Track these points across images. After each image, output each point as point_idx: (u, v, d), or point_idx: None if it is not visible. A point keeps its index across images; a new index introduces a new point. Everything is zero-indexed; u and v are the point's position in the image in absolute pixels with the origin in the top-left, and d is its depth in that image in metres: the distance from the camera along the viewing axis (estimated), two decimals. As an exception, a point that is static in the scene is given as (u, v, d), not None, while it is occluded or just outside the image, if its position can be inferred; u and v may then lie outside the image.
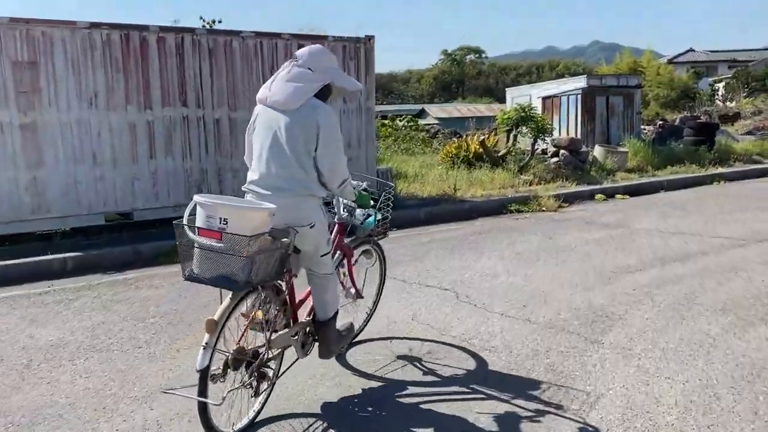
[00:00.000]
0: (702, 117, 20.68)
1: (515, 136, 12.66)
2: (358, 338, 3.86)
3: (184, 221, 2.56)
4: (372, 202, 3.54)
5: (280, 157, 2.79)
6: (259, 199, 2.79)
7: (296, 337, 3.03)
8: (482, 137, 12.74)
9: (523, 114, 12.25)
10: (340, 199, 3.47)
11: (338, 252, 3.47)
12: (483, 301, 4.64)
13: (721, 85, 37.06)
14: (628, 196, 9.91)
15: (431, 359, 3.61)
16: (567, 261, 5.81)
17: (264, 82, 2.98)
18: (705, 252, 5.99)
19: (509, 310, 4.45)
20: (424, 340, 3.90)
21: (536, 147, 12.87)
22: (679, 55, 54.29)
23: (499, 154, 12.47)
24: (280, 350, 2.98)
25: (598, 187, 10.22)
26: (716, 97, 34.06)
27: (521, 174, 11.35)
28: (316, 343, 3.17)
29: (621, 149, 13.46)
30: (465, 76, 67.20)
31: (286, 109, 2.79)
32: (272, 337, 2.79)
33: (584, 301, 4.61)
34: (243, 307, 2.71)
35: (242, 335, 2.68)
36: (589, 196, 9.74)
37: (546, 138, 12.88)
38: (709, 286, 4.87)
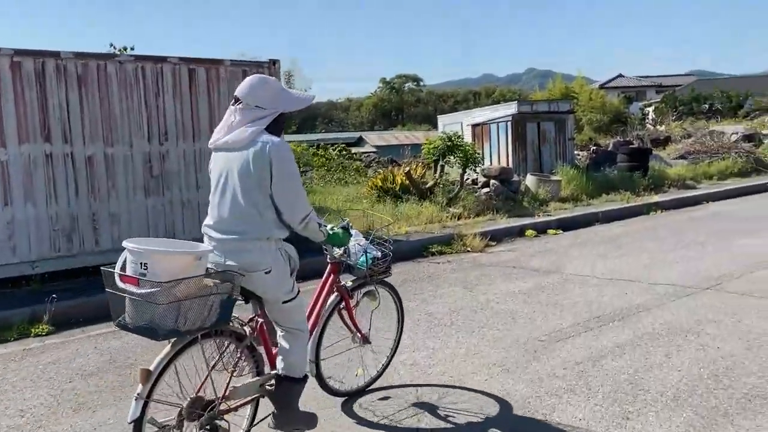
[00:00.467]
0: (634, 142, 20.42)
1: (442, 167, 11.75)
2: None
3: (117, 267, 2.44)
4: (364, 240, 3.37)
5: (231, 199, 2.66)
6: (212, 243, 2.70)
7: (269, 386, 2.83)
8: (407, 168, 11.76)
9: (449, 143, 11.36)
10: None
11: (335, 294, 3.33)
12: (364, 404, 3.50)
13: (650, 109, 37.70)
14: (561, 231, 9.03)
15: None
16: (486, 326, 4.74)
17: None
18: (648, 306, 5.03)
19: (392, 414, 3.33)
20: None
21: (465, 177, 11.96)
22: (610, 80, 55.49)
23: (427, 186, 11.51)
24: (248, 400, 2.81)
25: (528, 221, 9.31)
26: (647, 121, 34.52)
27: (450, 207, 10.41)
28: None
29: (554, 177, 12.72)
30: (404, 103, 67.11)
31: (237, 150, 2.65)
32: (231, 386, 2.67)
33: (502, 391, 3.53)
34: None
35: (202, 384, 2.58)
36: (519, 232, 8.81)
37: (476, 168, 12.04)
38: (655, 361, 3.86)
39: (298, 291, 2.85)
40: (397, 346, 3.81)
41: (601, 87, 54.03)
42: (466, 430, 3.14)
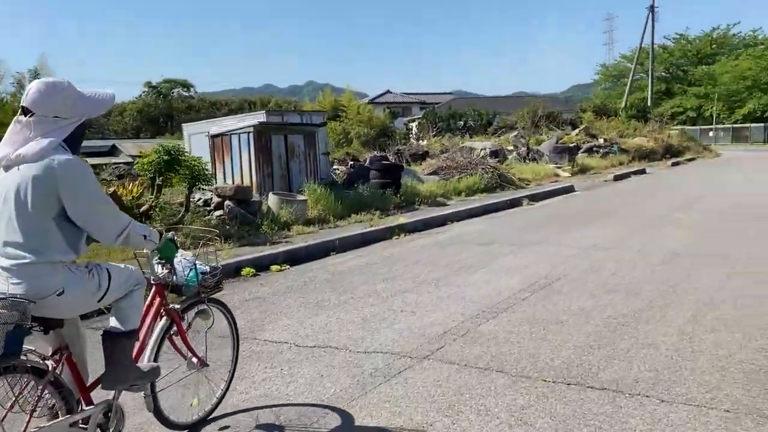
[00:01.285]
0: (391, 157, 20.12)
1: (159, 186, 9.66)
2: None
3: None
4: (189, 254, 3.15)
5: (7, 221, 2.40)
6: None
7: (84, 425, 2.57)
8: (112, 189, 9.47)
9: (167, 157, 9.31)
10: (155, 258, 2.96)
11: (164, 318, 3.02)
12: None
13: (414, 124, 39.01)
14: (288, 266, 7.53)
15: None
16: None
17: None
18: (344, 398, 3.61)
19: None
20: None
21: (197, 198, 10.02)
22: (379, 96, 57.19)
23: (142, 208, 9.35)
24: None
25: (251, 255, 7.65)
26: (411, 136, 35.48)
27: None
28: (120, 428, 2.72)
29: (300, 197, 11.31)
30: (173, 110, 62.42)
31: (23, 165, 2.38)
32: (33, 429, 2.38)
33: None
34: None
35: None
36: (236, 271, 7.12)
37: (206, 186, 10.16)
38: None
39: (108, 273, 2.60)
40: (235, 366, 3.60)
41: (371, 102, 55.48)
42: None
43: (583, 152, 27.56)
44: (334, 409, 3.49)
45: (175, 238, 3.02)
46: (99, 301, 2.58)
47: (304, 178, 13.20)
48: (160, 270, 3.00)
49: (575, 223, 10.26)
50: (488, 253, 7.86)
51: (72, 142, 2.48)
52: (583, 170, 23.20)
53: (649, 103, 40.76)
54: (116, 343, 2.65)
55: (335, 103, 38.54)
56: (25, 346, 2.33)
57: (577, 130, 30.00)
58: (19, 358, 2.32)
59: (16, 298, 2.30)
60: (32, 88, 2.44)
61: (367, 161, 17.90)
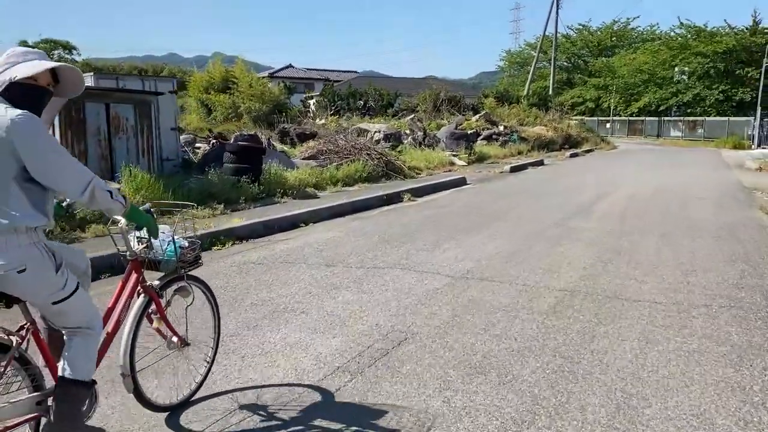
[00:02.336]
0: (275, 135, 17.56)
1: None
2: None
3: None
4: (167, 228, 2.95)
5: None
6: None
7: (50, 403, 2.41)
8: None
9: None
10: (132, 233, 2.83)
11: (142, 295, 2.90)
12: None
13: (312, 102, 36.40)
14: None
15: None
16: None
17: None
18: None
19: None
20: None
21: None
22: (280, 69, 53.90)
23: None
24: (21, 422, 2.37)
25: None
26: (309, 113, 32.90)
27: None
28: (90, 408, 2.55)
29: (112, 186, 8.59)
30: (52, 73, 56.25)
31: None
32: None
33: None
34: None
35: None
36: None
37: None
38: None
39: (76, 286, 2.47)
40: (217, 346, 3.45)
41: (271, 75, 52.20)
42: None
43: (482, 139, 26.11)
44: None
45: (152, 210, 2.81)
46: (53, 303, 2.40)
47: (135, 160, 10.47)
48: (136, 245, 2.85)
49: (456, 230, 8.25)
50: (318, 284, 5.61)
51: (21, 105, 2.29)
52: (481, 159, 21.61)
53: (550, 92, 40.12)
54: (65, 390, 2.43)
55: (226, 74, 35.19)
56: None
57: (477, 116, 28.49)
58: None
59: None
60: None
61: (233, 140, 15.29)
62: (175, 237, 2.97)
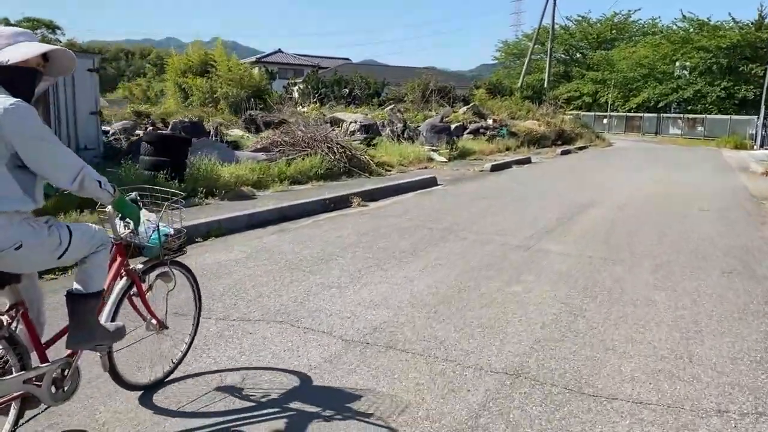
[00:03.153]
0: (239, 122, 15.70)
1: None
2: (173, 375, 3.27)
3: None
4: (153, 216, 3.01)
5: None
6: None
7: (38, 382, 2.47)
8: None
9: None
10: (118, 219, 2.86)
11: (124, 278, 2.94)
12: None
13: (295, 88, 34.48)
14: None
15: None
16: None
17: None
18: None
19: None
20: None
21: None
22: (267, 54, 51.85)
23: None
24: (8, 399, 2.40)
25: None
26: (292, 101, 30.98)
27: None
28: (74, 387, 2.67)
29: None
30: (35, 53, 54.07)
31: None
32: None
33: None
34: None
35: None
36: None
37: None
38: None
39: (69, 231, 2.49)
40: (196, 330, 3.53)
41: (259, 60, 50.25)
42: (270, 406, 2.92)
43: (468, 133, 24.25)
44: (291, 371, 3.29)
45: (138, 199, 2.91)
46: (59, 258, 2.48)
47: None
48: (122, 230, 2.90)
49: (393, 252, 6.40)
50: (133, 356, 3.75)
51: (14, 88, 2.31)
52: (463, 155, 19.73)
53: (545, 85, 38.08)
54: (80, 303, 2.58)
55: (205, 57, 33.14)
56: None
57: (464, 109, 26.55)
58: None
59: None
60: None
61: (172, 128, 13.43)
62: (161, 225, 2.99)
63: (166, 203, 3.12)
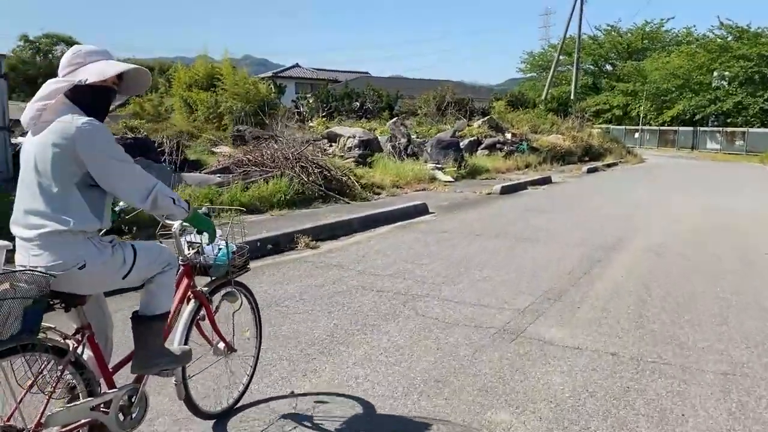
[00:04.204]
0: (225, 142, 13.50)
1: None
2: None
3: None
4: (219, 232, 2.82)
5: (29, 189, 2.24)
6: (19, 241, 2.27)
7: (105, 409, 2.36)
8: None
9: None
10: (183, 237, 2.79)
11: (192, 301, 2.81)
12: None
13: (304, 102, 32.47)
14: None
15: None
16: None
17: None
18: None
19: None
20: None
21: None
22: (284, 69, 50.16)
23: None
24: (76, 426, 2.28)
25: None
26: (300, 115, 28.97)
27: None
28: (142, 414, 2.56)
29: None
30: (55, 69, 53.40)
31: (34, 132, 2.27)
32: (50, 412, 2.17)
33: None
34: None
35: (13, 410, 2.08)
36: None
37: None
38: None
39: (133, 250, 2.40)
40: (259, 351, 3.35)
41: (275, 75, 48.67)
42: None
43: (483, 149, 21.75)
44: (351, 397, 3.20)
45: (210, 213, 2.81)
46: (124, 278, 2.39)
47: None
48: (187, 250, 2.78)
49: (304, 341, 3.99)
50: None
51: (89, 107, 2.29)
52: (473, 173, 17.27)
53: (572, 96, 35.24)
54: (146, 326, 2.49)
55: (212, 71, 31.28)
56: (46, 324, 2.16)
57: (479, 121, 24.04)
58: (37, 336, 2.14)
59: (36, 270, 2.10)
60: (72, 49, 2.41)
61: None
62: (228, 242, 2.88)
63: (231, 218, 2.96)
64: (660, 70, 40.16)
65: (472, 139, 21.97)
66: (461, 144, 21.71)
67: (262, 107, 29.19)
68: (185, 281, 2.76)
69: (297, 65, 50.90)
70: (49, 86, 2.25)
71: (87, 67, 2.29)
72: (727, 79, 36.40)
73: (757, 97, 35.04)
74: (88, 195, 2.25)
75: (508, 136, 23.65)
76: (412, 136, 18.70)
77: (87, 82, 2.24)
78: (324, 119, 26.55)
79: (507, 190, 13.51)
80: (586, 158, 25.36)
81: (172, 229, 2.66)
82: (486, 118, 24.18)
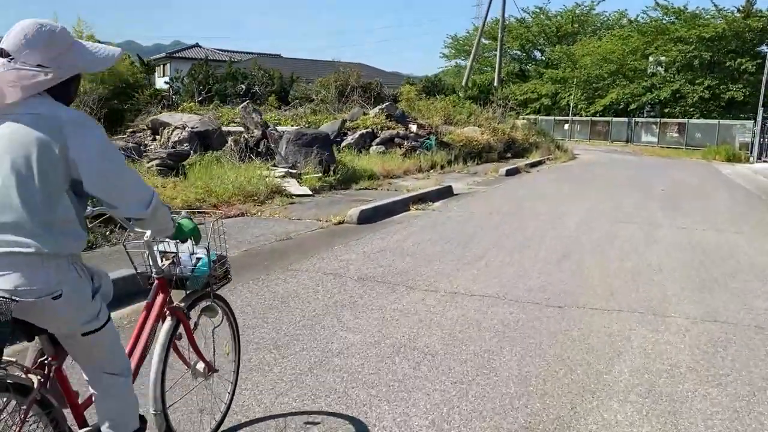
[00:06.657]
0: None
1: None
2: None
3: None
4: (188, 244, 2.39)
5: (4, 198, 1.70)
6: None
7: None
8: None
9: None
10: (156, 246, 2.32)
11: (169, 318, 2.39)
12: None
13: (180, 84, 26.56)
14: None
15: None
16: None
17: None
18: None
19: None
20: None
21: None
22: (182, 49, 43.82)
23: None
24: None
25: None
26: (166, 99, 23.23)
27: None
28: None
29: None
30: None
31: (9, 125, 1.71)
32: None
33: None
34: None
35: None
36: None
37: None
38: None
39: (108, 318, 1.95)
40: (238, 368, 2.91)
41: (169, 55, 42.31)
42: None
43: (378, 144, 16.63)
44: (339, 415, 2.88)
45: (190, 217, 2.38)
46: (84, 334, 1.88)
47: None
48: (161, 261, 2.36)
49: None
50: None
51: (60, 98, 1.81)
52: (349, 180, 12.09)
53: (495, 83, 30.62)
54: None
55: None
56: (6, 357, 1.74)
57: (376, 110, 18.85)
58: None
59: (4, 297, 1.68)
60: (18, 27, 1.76)
61: None
62: (210, 249, 2.49)
63: (213, 223, 2.53)
64: (591, 55, 36.13)
65: (364, 131, 16.82)
66: (350, 138, 16.50)
67: (126, 89, 23.35)
68: (161, 296, 2.33)
69: (197, 45, 44.44)
70: (31, 73, 1.71)
71: (79, 58, 1.82)
72: (663, 64, 32.68)
73: (696, 84, 31.40)
74: (76, 206, 1.80)
75: (413, 128, 18.64)
76: (271, 128, 13.32)
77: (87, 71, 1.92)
78: (196, 104, 20.95)
79: (366, 219, 8.30)
80: (508, 155, 20.73)
81: (144, 238, 2.20)
82: (384, 106, 18.99)
